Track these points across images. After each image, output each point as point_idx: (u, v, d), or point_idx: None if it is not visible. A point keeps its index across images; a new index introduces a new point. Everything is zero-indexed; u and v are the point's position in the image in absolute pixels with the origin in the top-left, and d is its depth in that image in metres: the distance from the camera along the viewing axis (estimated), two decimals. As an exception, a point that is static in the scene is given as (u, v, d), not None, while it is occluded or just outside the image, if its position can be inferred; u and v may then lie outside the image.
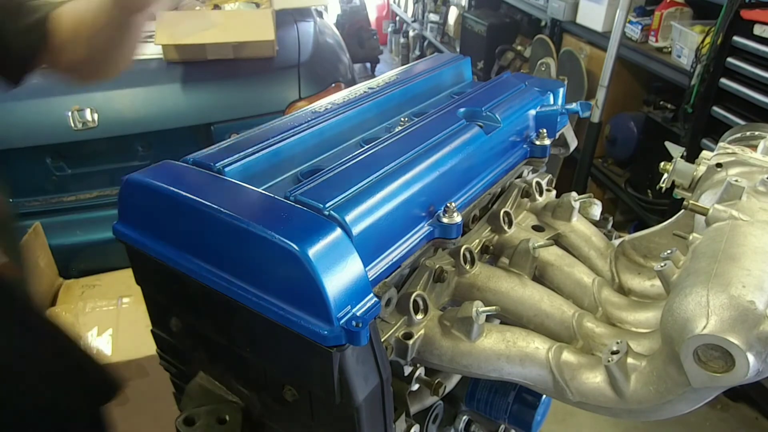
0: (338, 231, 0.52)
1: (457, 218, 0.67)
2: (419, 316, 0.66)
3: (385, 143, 0.70)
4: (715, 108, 2.28)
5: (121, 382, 0.89)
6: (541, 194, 0.89)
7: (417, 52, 5.63)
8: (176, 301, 0.65)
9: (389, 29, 6.45)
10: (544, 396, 0.78)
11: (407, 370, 0.65)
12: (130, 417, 1.19)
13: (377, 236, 0.59)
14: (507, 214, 0.81)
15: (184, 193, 0.57)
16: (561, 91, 0.96)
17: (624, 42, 2.70)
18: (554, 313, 0.70)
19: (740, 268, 0.53)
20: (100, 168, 2.10)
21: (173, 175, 0.62)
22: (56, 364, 0.81)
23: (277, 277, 0.52)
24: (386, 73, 0.94)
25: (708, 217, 0.63)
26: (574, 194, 0.85)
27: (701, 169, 0.79)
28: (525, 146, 0.87)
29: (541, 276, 0.78)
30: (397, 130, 0.78)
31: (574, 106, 0.96)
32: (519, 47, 4.09)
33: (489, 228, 0.82)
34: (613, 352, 0.59)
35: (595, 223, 0.91)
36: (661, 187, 0.83)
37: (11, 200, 2.00)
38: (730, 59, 2.16)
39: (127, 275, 0.89)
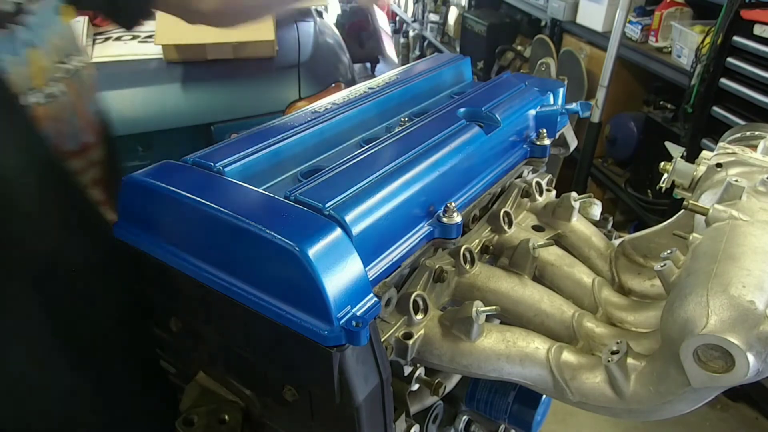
0: (338, 231, 0.53)
1: (457, 218, 0.67)
2: (419, 316, 0.66)
3: (385, 143, 0.70)
4: (715, 108, 2.28)
5: None
6: (541, 194, 0.89)
7: (417, 52, 5.63)
8: (176, 301, 0.65)
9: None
10: (544, 396, 0.78)
11: (407, 370, 0.65)
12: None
13: (377, 236, 0.59)
14: (507, 214, 0.81)
15: (184, 193, 0.57)
16: (561, 91, 0.96)
17: (624, 42, 2.70)
18: (554, 313, 0.70)
19: (740, 268, 0.53)
20: (100, 168, 2.10)
21: (173, 175, 0.62)
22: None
23: (277, 277, 0.52)
24: (386, 73, 0.94)
25: (708, 217, 0.63)
26: (574, 194, 0.85)
27: (701, 169, 0.79)
28: (525, 146, 0.87)
29: (541, 276, 0.78)
30: (397, 130, 0.78)
31: (574, 106, 0.97)
32: (519, 47, 4.09)
33: (489, 228, 0.82)
34: (613, 352, 0.59)
35: (595, 223, 0.91)
36: (661, 187, 0.83)
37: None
38: (730, 59, 2.16)
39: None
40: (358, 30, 5.29)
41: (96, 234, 0.73)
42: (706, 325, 0.49)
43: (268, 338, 0.56)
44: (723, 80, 2.20)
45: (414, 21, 5.55)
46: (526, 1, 3.80)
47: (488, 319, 0.70)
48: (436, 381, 0.65)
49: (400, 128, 0.77)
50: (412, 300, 0.65)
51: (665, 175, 0.82)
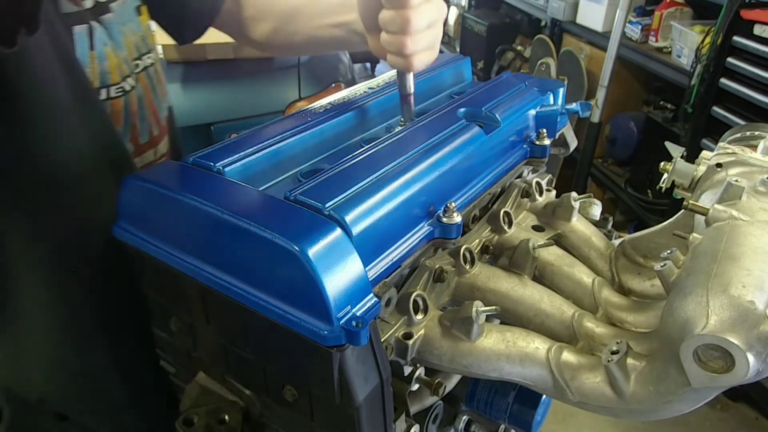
0: (338, 231, 0.53)
1: (457, 218, 0.67)
2: (419, 316, 0.66)
3: (385, 143, 0.70)
4: (715, 108, 2.28)
5: None
6: (541, 194, 0.89)
7: (417, 52, 5.61)
8: (176, 301, 0.65)
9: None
10: (544, 396, 0.78)
11: (407, 370, 0.65)
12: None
13: (377, 236, 0.59)
14: (507, 214, 0.81)
15: (184, 194, 0.57)
16: (561, 91, 0.96)
17: (624, 42, 2.70)
18: (554, 313, 0.70)
19: (740, 268, 0.53)
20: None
21: (173, 175, 0.62)
22: None
23: (276, 277, 0.52)
24: (386, 73, 0.94)
25: (708, 217, 0.63)
26: (574, 194, 0.85)
27: (701, 169, 0.79)
28: (525, 146, 0.87)
29: (541, 276, 0.78)
30: (397, 130, 0.78)
31: (574, 106, 0.96)
32: (519, 47, 4.10)
33: (489, 228, 0.82)
34: (613, 352, 0.59)
35: (595, 223, 0.91)
36: (661, 187, 0.83)
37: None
38: (730, 59, 2.16)
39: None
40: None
41: None
42: (706, 325, 0.50)
43: (268, 338, 0.56)
44: (723, 80, 2.20)
45: (414, 21, 5.54)
46: (526, 1, 3.80)
47: (488, 319, 0.70)
48: (436, 381, 0.65)
49: (400, 128, 0.77)
50: (412, 300, 0.65)
51: (665, 175, 0.82)
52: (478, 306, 0.63)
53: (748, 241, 0.57)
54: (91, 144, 0.69)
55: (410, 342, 0.63)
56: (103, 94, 0.76)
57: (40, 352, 0.77)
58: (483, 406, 0.81)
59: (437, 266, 0.69)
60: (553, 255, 0.79)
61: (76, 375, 0.78)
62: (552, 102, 0.94)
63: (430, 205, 0.67)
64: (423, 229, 0.66)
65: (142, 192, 0.61)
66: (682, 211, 0.73)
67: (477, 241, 0.79)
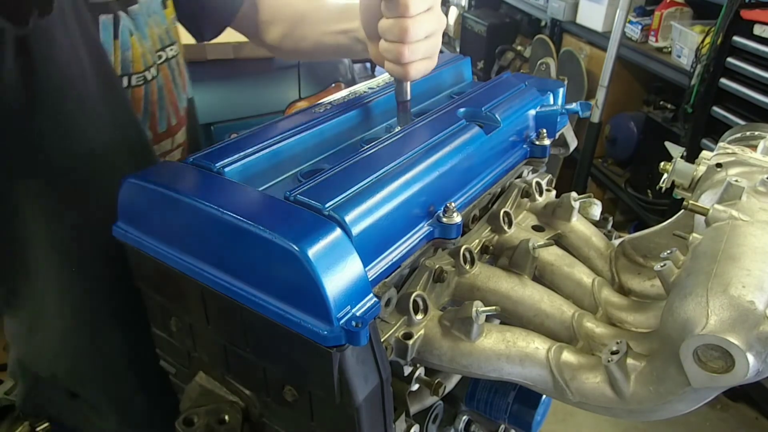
0: (338, 231, 0.52)
1: (457, 218, 0.67)
2: (419, 316, 0.66)
3: (385, 143, 0.70)
4: (715, 108, 2.28)
5: None
6: (541, 194, 0.89)
7: (417, 52, 5.61)
8: (176, 301, 0.65)
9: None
10: (544, 396, 0.78)
11: (407, 370, 0.65)
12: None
13: (377, 236, 0.59)
14: (507, 214, 0.81)
15: (184, 194, 0.57)
16: (561, 91, 0.96)
17: (624, 42, 2.70)
18: (554, 314, 0.70)
19: (740, 268, 0.53)
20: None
21: (173, 175, 0.62)
22: None
23: (276, 277, 0.52)
24: (386, 73, 0.94)
25: (708, 217, 0.63)
26: (574, 194, 0.85)
27: (701, 169, 0.79)
28: (525, 146, 0.87)
29: (540, 276, 0.78)
30: (397, 130, 0.78)
31: (574, 106, 0.96)
32: (519, 47, 4.09)
33: (489, 228, 0.82)
34: (613, 352, 0.59)
35: (595, 223, 0.91)
36: (661, 187, 0.83)
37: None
38: (730, 59, 2.16)
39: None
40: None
41: None
42: (705, 325, 0.50)
43: (268, 338, 0.56)
44: (723, 80, 2.20)
45: (414, 21, 5.54)
46: (526, 1, 3.80)
47: (488, 319, 0.70)
48: (436, 381, 0.65)
49: (400, 128, 0.77)
50: (412, 300, 0.65)
51: (665, 175, 0.82)
52: (478, 306, 0.63)
53: (748, 241, 0.57)
54: (114, 129, 0.71)
55: (410, 342, 0.63)
56: (125, 82, 0.79)
57: (52, 330, 0.80)
58: (483, 406, 0.81)
59: (437, 266, 0.69)
60: (553, 255, 0.79)
61: (84, 355, 0.81)
62: (552, 102, 0.94)
63: (430, 205, 0.67)
64: (423, 229, 0.66)
65: (142, 192, 0.61)
66: (682, 211, 0.73)
67: (477, 241, 0.79)
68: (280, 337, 0.53)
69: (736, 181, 0.66)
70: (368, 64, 5.61)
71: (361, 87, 0.89)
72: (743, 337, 0.48)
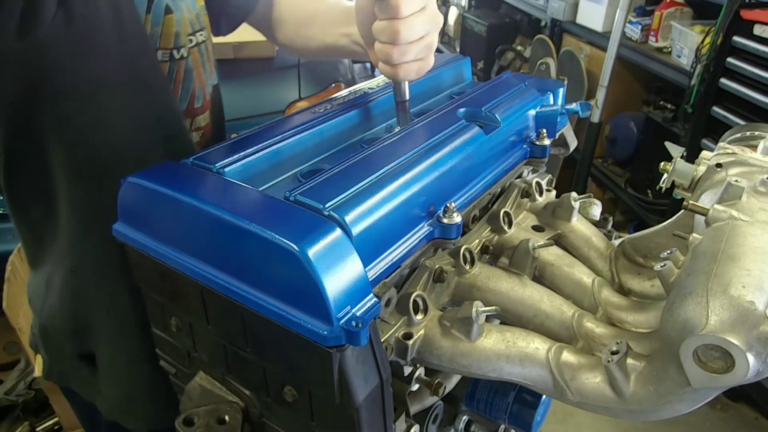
0: (338, 231, 0.52)
1: (457, 218, 0.67)
2: (419, 317, 0.66)
3: (385, 143, 0.70)
4: (715, 108, 2.28)
5: None
6: (541, 194, 0.89)
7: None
8: (176, 301, 0.65)
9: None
10: (544, 396, 0.78)
11: (407, 370, 0.65)
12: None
13: (377, 236, 0.59)
14: (507, 214, 0.81)
15: (184, 194, 0.57)
16: (561, 91, 0.96)
17: (624, 42, 2.70)
18: (554, 314, 0.70)
19: (740, 268, 0.53)
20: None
21: (173, 175, 0.62)
22: None
23: (276, 278, 0.52)
24: (386, 73, 0.94)
25: (708, 217, 0.63)
26: (574, 194, 0.85)
27: (701, 169, 0.79)
28: (525, 146, 0.87)
29: (540, 276, 0.78)
30: (397, 130, 0.78)
31: (574, 106, 0.96)
32: (519, 47, 4.09)
33: (489, 228, 0.82)
34: (613, 353, 0.59)
35: (595, 223, 0.91)
36: (661, 187, 0.83)
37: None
38: (730, 59, 2.16)
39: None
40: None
41: None
42: (705, 326, 0.50)
43: (268, 338, 0.56)
44: (723, 80, 2.20)
45: (414, 21, 5.54)
46: (526, 1, 3.80)
47: (488, 319, 0.70)
48: (436, 381, 0.65)
49: (400, 128, 0.77)
50: (412, 300, 0.65)
51: (665, 175, 0.82)
52: (478, 306, 0.63)
53: (748, 242, 0.57)
54: (146, 95, 0.77)
55: (410, 342, 0.63)
56: (157, 55, 0.82)
57: (67, 283, 0.84)
58: (483, 406, 0.81)
59: (437, 266, 0.69)
60: (553, 255, 0.79)
61: (97, 311, 0.84)
62: (552, 102, 0.94)
63: (430, 206, 0.67)
64: (423, 229, 0.66)
65: (142, 192, 0.61)
66: (682, 211, 0.73)
67: (477, 241, 0.79)
68: (280, 337, 0.53)
69: (736, 181, 0.66)
70: (368, 64, 5.61)
71: (361, 87, 0.89)
72: (743, 337, 0.48)
